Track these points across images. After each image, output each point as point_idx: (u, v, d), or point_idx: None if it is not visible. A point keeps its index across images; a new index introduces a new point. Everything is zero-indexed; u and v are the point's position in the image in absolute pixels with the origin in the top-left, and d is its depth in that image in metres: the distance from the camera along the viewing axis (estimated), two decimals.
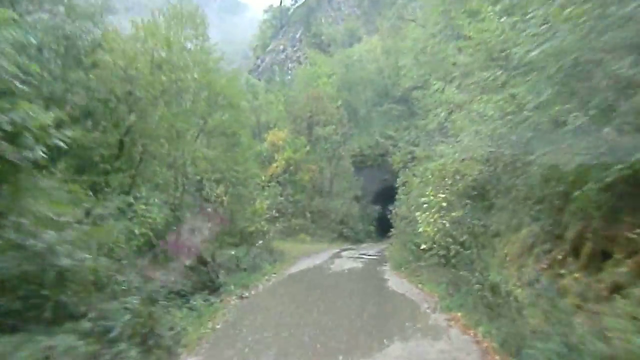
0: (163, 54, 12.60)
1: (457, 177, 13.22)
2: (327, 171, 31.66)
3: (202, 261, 9.18)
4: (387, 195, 37.53)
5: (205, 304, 7.93)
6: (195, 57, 15.74)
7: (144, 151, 11.93)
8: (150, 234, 9.89)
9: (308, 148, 30.69)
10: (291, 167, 30.11)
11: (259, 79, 45.85)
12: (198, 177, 14.47)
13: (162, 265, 9.13)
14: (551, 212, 8.82)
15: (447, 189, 12.83)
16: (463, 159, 13.65)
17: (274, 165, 30.39)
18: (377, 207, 35.50)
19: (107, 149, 11.79)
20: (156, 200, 10.45)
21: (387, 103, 39.30)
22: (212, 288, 9.07)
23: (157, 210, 10.49)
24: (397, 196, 26.32)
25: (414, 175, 18.18)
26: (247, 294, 9.81)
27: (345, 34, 49.42)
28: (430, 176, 13.74)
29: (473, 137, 12.85)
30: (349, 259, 18.26)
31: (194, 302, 7.77)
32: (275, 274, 13.31)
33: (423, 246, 12.51)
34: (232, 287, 9.88)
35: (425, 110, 28.94)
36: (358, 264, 16.49)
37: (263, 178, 29.50)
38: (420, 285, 11.27)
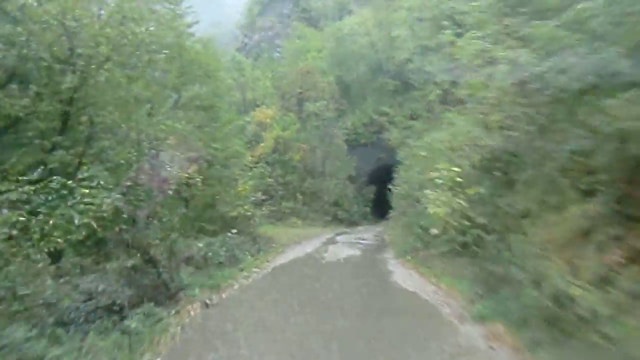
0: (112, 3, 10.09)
1: (473, 147, 10.94)
2: (319, 150, 29.28)
3: (149, 259, 6.82)
4: (383, 175, 35.28)
5: (148, 322, 5.60)
6: (162, 18, 13.28)
7: (92, 124, 9.54)
8: (94, 224, 7.53)
9: (298, 126, 28.28)
10: (280, 147, 27.70)
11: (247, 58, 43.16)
12: (161, 154, 12.03)
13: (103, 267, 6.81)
14: (618, 184, 6.56)
15: (461, 162, 10.55)
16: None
17: (262, 144, 27.97)
18: (373, 188, 33.46)
19: (45, 121, 9.43)
20: (101, 182, 8.05)
21: (380, 78, 36.79)
22: (168, 294, 6.77)
23: (105, 195, 8.11)
24: (395, 174, 24.25)
25: (415, 149, 15.82)
26: (215, 300, 7.50)
27: (336, 7, 46.39)
28: (441, 148, 11.45)
29: (495, 94, 10.51)
30: (345, 245, 16.05)
31: (133, 320, 5.44)
32: (258, 267, 11.03)
33: (434, 231, 10.26)
34: (197, 290, 7.57)
35: (424, 81, 26.68)
36: (355, 251, 14.28)
37: (250, 159, 27.21)
38: (434, 280, 9.01)
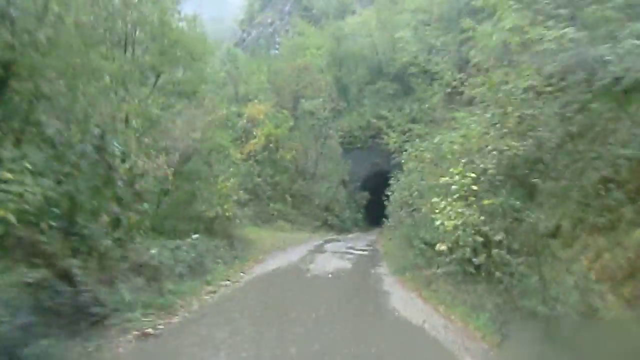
0: None
1: (488, 151, 9.27)
2: (312, 151, 27.52)
3: (60, 272, 4.96)
4: (377, 181, 33.59)
5: None
6: None
7: (32, 94, 7.72)
8: (12, 219, 5.72)
9: (292, 124, 26.46)
10: (271, 145, 25.89)
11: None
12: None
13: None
14: None
15: (477, 167, 8.86)
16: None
17: (252, 141, 26.14)
18: (366, 194, 31.76)
19: None
20: (28, 165, 6.25)
21: (380, 81, 35.19)
22: (90, 321, 4.94)
23: (32, 182, 6.30)
24: (392, 180, 22.62)
25: (419, 152, 14.13)
26: (161, 327, 5.65)
27: (338, 7, 44.80)
28: (452, 150, 9.77)
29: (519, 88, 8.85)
30: (334, 255, 14.26)
31: None
32: (229, 279, 9.18)
33: (442, 247, 8.52)
34: (139, 313, 5.73)
35: (427, 83, 25.07)
36: (345, 263, 12.49)
37: (239, 156, 25.40)
38: (443, 309, 7.19)
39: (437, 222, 8.60)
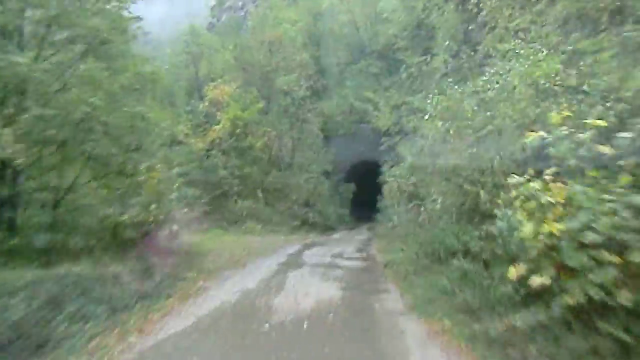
0: None
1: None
2: (287, 138, 22.72)
3: None
4: (364, 171, 28.92)
5: None
6: None
7: None
8: None
9: (262, 105, 21.62)
10: (239, 131, 21.03)
11: None
12: None
13: None
14: None
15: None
16: None
17: (215, 127, 21.25)
18: (352, 185, 27.21)
19: None
20: None
21: (363, 60, 30.56)
22: None
23: None
24: (385, 167, 18.21)
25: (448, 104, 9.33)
26: None
27: None
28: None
29: None
30: (315, 272, 9.57)
31: None
32: (106, 347, 4.44)
33: (537, 280, 3.87)
34: None
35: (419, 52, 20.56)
36: (332, 289, 7.72)
37: (201, 145, 20.50)
38: None
39: (526, 227, 3.94)
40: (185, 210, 14.84)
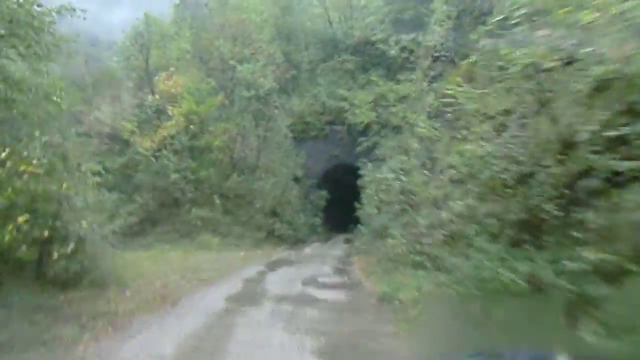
0: None
1: None
2: (252, 137, 19.37)
3: None
4: (338, 176, 25.83)
5: None
6: None
7: None
8: None
9: (221, 99, 18.26)
10: (193, 127, 17.59)
11: None
12: None
13: None
14: None
15: None
16: None
17: (167, 124, 17.75)
18: (324, 193, 24.12)
19: None
20: None
21: (336, 55, 27.62)
22: None
23: None
24: (365, 171, 15.41)
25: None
26: None
27: None
28: None
29: None
30: (280, 311, 6.43)
31: None
32: None
33: None
34: None
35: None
36: (305, 356, 4.56)
37: (150, 144, 16.99)
38: None
39: None
40: (118, 222, 11.54)
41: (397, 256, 8.53)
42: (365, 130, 22.16)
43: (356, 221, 21.42)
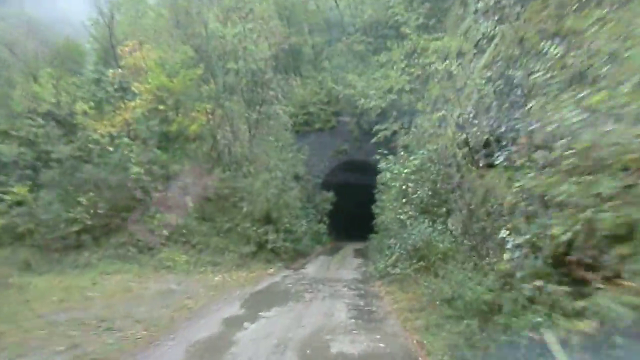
0: None
1: None
2: (241, 122, 14.92)
3: None
4: (346, 176, 21.55)
5: None
6: None
7: None
8: None
9: (201, 71, 13.79)
10: (163, 108, 13.15)
11: None
12: None
13: None
14: None
15: None
16: None
17: (131, 103, 13.35)
18: (331, 194, 19.72)
19: None
20: None
21: (345, 38, 23.19)
22: None
23: None
24: (383, 164, 11.02)
25: None
26: None
27: None
28: None
29: None
30: None
31: None
32: None
33: None
34: None
35: None
36: None
37: (111, 129, 12.64)
38: None
39: None
40: None
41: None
42: (381, 118, 17.67)
43: (368, 229, 17.07)
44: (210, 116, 13.67)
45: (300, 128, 21.24)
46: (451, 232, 8.47)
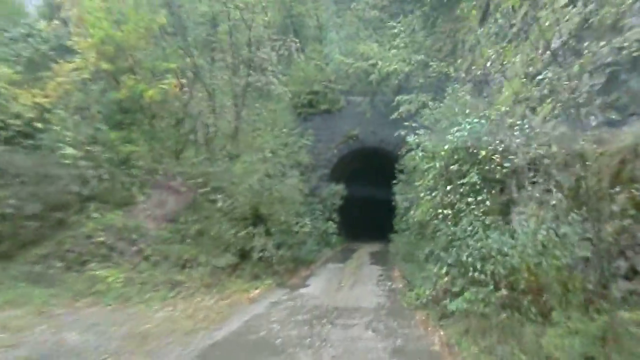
0: None
1: None
2: (223, 93, 11.11)
3: None
4: (357, 165, 17.69)
5: None
6: None
7: None
8: None
9: (165, 19, 9.99)
10: (108, 68, 9.35)
11: None
12: None
13: None
14: None
15: None
16: None
17: (67, 66, 9.60)
18: (340, 187, 15.92)
19: None
20: None
21: (355, 3, 19.22)
22: None
23: None
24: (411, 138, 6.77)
25: None
26: None
27: None
28: None
29: None
30: None
31: None
32: None
33: None
34: None
35: None
36: None
37: (43, 100, 8.78)
38: None
39: None
40: None
41: None
42: (403, 91, 13.75)
43: (386, 226, 13.45)
44: (179, 81, 9.86)
45: (303, 110, 17.55)
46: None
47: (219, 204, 8.72)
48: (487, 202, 6.85)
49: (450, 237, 6.34)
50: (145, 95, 9.23)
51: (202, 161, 9.72)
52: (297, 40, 16.02)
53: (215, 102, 11.05)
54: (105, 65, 9.19)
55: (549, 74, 5.94)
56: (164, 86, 9.29)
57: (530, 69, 7.06)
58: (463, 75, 11.81)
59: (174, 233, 8.58)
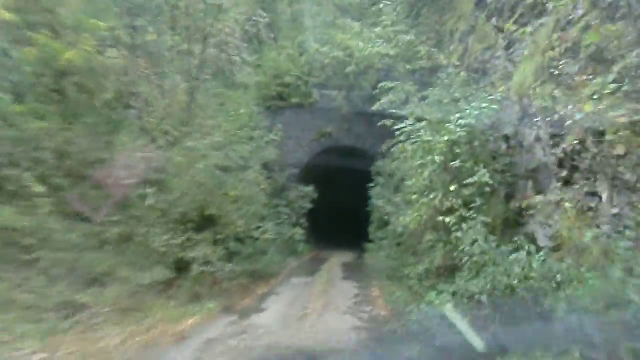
0: None
1: None
2: (173, 75, 8.99)
3: None
4: (330, 165, 15.80)
5: None
6: None
7: None
8: None
9: None
10: (9, 17, 7.07)
11: None
12: None
13: None
14: None
15: None
16: None
17: None
18: (310, 189, 13.96)
19: None
20: None
21: None
22: None
23: None
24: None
25: None
26: None
27: None
28: None
29: None
30: None
31: None
32: None
33: None
34: None
35: None
36: None
37: None
38: None
39: None
40: None
41: None
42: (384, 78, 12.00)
43: (360, 233, 12.33)
44: (109, 43, 7.69)
45: (272, 103, 15.64)
46: None
47: (149, 201, 6.58)
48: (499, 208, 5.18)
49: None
50: (62, 59, 7.01)
51: (136, 148, 7.54)
52: (265, 14, 13.97)
53: (164, 81, 8.97)
54: (8, 15, 6.92)
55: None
56: (87, 47, 7.11)
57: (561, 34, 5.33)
58: (457, 63, 10.22)
59: (88, 237, 6.37)
